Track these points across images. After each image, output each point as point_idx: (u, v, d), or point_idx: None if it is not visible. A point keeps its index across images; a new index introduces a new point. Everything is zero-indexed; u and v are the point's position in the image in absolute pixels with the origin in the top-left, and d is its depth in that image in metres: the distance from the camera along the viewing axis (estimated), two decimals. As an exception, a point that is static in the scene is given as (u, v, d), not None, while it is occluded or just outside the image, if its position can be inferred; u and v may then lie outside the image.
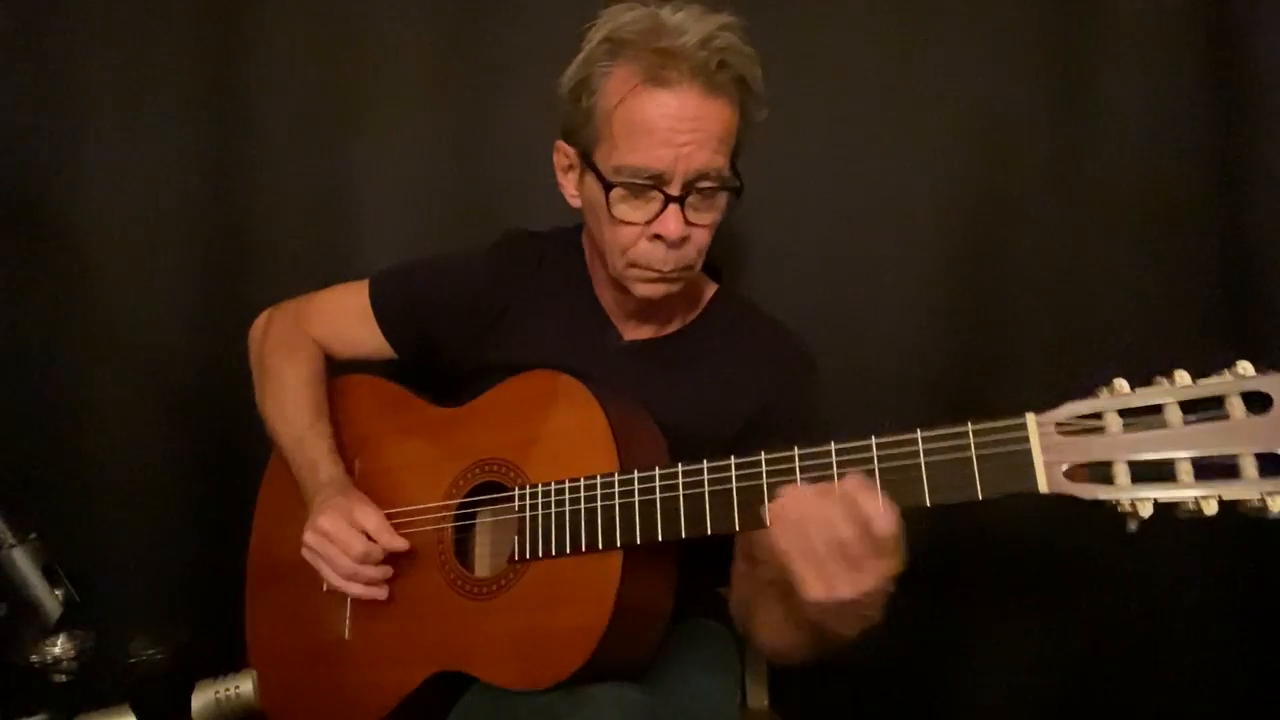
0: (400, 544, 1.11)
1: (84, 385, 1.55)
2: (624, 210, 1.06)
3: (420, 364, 1.28)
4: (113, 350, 1.55)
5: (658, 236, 1.06)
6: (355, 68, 1.52)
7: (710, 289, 1.26)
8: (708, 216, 1.08)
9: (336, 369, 1.31)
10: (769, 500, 0.89)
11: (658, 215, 1.05)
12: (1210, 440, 0.76)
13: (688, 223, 1.06)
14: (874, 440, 0.87)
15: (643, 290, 1.11)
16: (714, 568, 1.24)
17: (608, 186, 1.05)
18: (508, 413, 1.12)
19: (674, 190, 1.04)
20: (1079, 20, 1.47)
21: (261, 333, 1.32)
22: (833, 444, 0.89)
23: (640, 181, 1.04)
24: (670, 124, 1.02)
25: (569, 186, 1.15)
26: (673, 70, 1.01)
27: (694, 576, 1.15)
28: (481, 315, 1.22)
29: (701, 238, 1.09)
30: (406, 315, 1.27)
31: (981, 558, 1.52)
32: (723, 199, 1.08)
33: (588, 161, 1.09)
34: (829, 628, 0.90)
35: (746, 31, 1.05)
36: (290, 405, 1.23)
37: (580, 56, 1.08)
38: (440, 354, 1.26)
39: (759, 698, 1.37)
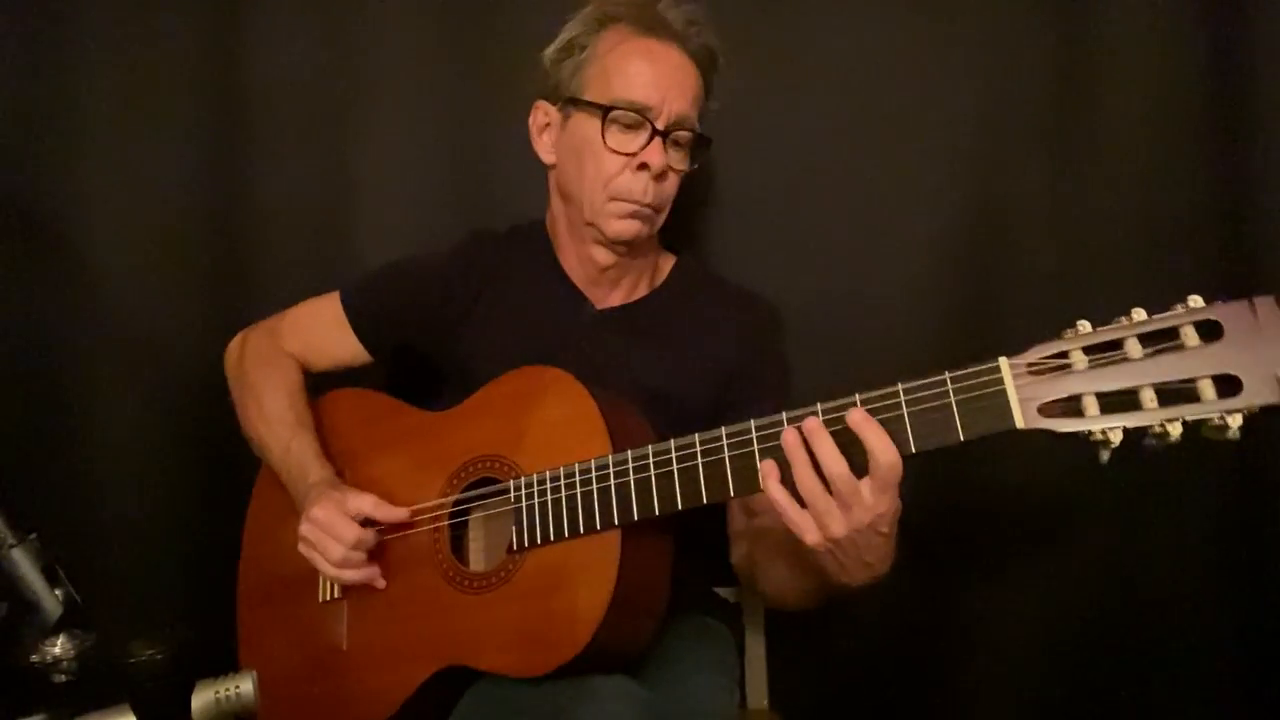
0: (400, 514, 1.13)
1: (84, 385, 1.55)
2: (615, 139, 1.17)
3: (400, 364, 1.32)
4: (113, 350, 1.56)
5: (643, 166, 1.17)
6: (356, 70, 1.57)
7: (670, 260, 1.35)
8: (681, 163, 1.22)
9: (318, 386, 1.33)
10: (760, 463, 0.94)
11: (644, 147, 1.17)
12: (1169, 368, 0.81)
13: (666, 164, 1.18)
14: (857, 397, 0.91)
15: (616, 227, 1.20)
16: (710, 564, 1.27)
17: (605, 111, 1.16)
18: (498, 410, 1.14)
19: (661, 125, 1.17)
20: (1080, 18, 1.50)
21: (237, 354, 1.35)
22: (819, 405, 0.93)
23: (632, 112, 1.16)
24: (659, 68, 1.17)
25: (545, 142, 1.26)
26: (661, 28, 1.18)
27: (691, 573, 1.17)
28: (454, 305, 1.28)
29: (673, 182, 1.22)
30: (380, 319, 1.31)
31: (978, 557, 1.53)
32: (691, 152, 1.22)
33: (577, 103, 1.19)
34: (833, 576, 0.95)
35: (719, 27, 1.21)
36: (274, 417, 1.25)
37: (569, 25, 1.22)
38: (419, 350, 1.31)
39: (759, 698, 1.36)
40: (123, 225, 1.57)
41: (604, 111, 1.17)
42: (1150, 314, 0.83)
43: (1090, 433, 0.83)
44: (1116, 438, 0.82)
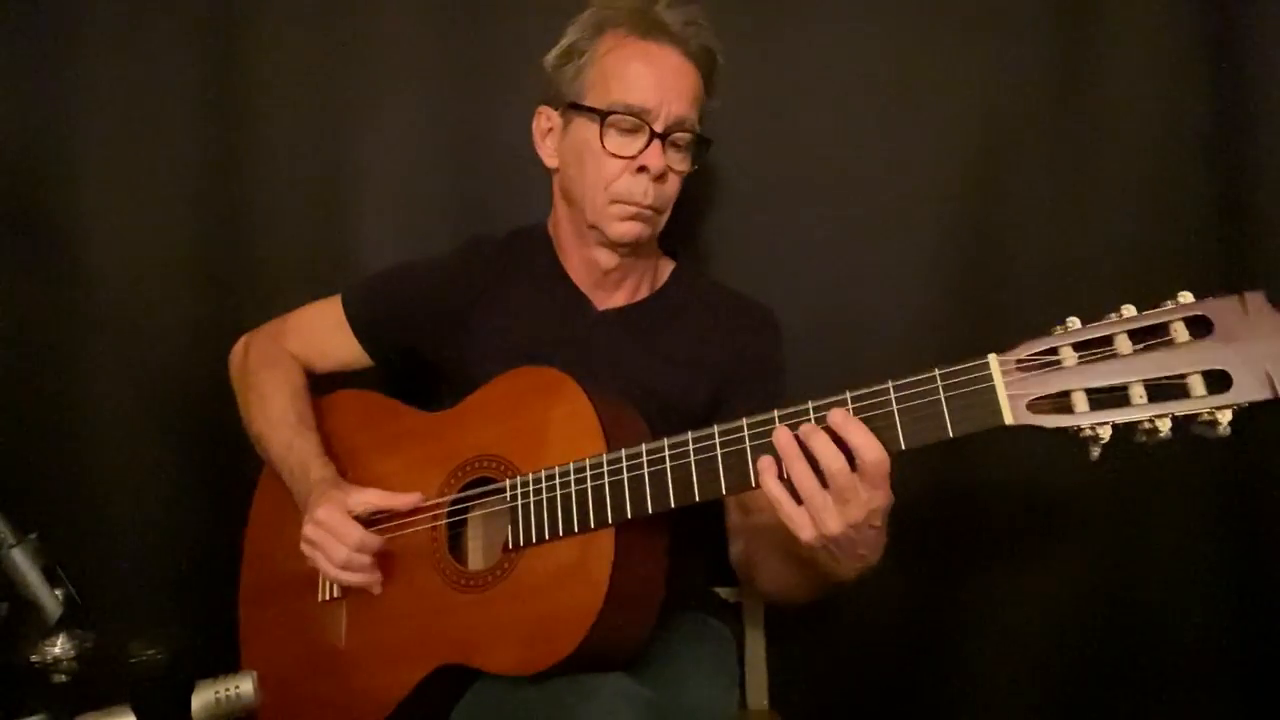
0: (411, 498, 1.14)
1: (84, 386, 1.56)
2: (614, 142, 1.18)
3: (401, 367, 1.33)
4: (112, 351, 1.57)
5: (642, 169, 1.18)
6: (354, 71, 1.58)
7: (669, 265, 1.36)
8: (681, 164, 1.23)
9: (320, 387, 1.34)
10: (753, 461, 0.94)
11: (643, 150, 1.18)
12: (1159, 364, 0.81)
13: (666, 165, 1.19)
14: (848, 394, 0.91)
15: (618, 229, 1.21)
16: (709, 564, 1.28)
17: (603, 116, 1.18)
18: (495, 410, 1.15)
19: (659, 128, 1.18)
20: (1080, 12, 1.51)
21: (241, 356, 1.37)
22: (810, 402, 0.93)
23: (630, 115, 1.17)
24: (657, 71, 1.18)
25: (548, 147, 1.27)
26: (658, 31, 1.19)
27: (691, 573, 1.17)
28: (455, 306, 1.29)
29: (674, 183, 1.23)
30: (381, 322, 1.33)
31: (977, 557, 1.53)
32: (691, 153, 1.23)
33: (577, 108, 1.20)
34: (827, 569, 0.96)
35: (720, 28, 1.22)
36: (276, 415, 1.26)
37: (569, 30, 1.23)
38: (420, 353, 1.32)
39: (759, 698, 1.37)
40: (122, 226, 1.57)
41: (602, 116, 1.18)
42: (1140, 310, 0.83)
43: (1079, 428, 0.83)
44: (1106, 434, 0.82)
